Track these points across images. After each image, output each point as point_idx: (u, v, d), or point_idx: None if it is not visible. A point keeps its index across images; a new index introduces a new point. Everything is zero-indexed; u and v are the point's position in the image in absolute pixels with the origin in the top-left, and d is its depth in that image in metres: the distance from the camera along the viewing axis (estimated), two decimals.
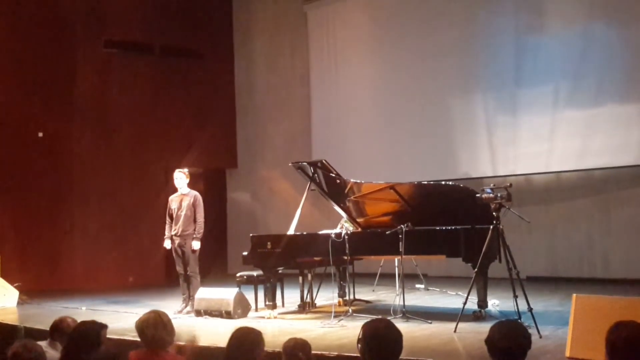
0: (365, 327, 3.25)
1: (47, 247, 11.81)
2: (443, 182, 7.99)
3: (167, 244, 8.31)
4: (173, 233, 8.24)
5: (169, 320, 3.97)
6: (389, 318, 3.48)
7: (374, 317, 3.47)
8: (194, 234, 8.18)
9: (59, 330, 4.68)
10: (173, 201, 8.34)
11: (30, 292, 9.97)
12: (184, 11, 13.56)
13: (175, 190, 8.42)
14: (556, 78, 10.28)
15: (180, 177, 8.29)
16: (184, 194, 8.30)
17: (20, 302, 9.56)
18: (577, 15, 10.14)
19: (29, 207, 11.70)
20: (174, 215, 8.25)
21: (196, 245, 8.17)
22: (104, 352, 3.76)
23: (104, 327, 4.21)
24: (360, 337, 3.23)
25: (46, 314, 8.21)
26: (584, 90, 9.99)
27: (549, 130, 10.27)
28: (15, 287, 9.72)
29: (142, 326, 3.90)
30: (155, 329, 3.86)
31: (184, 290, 8.23)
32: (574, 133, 10.05)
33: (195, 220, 8.20)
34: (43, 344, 4.60)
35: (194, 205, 8.22)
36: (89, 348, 3.97)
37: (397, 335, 3.20)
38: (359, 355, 3.25)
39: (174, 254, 8.30)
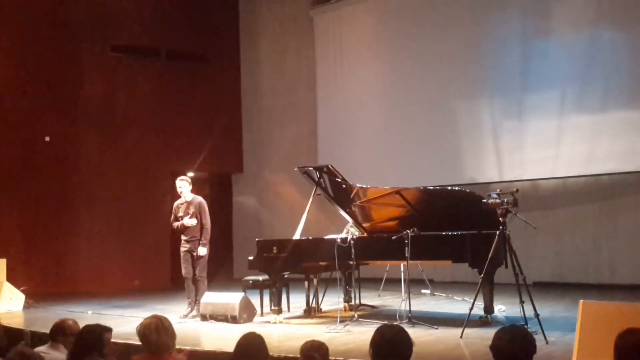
0: (376, 332, 3.29)
1: (53, 250, 11.83)
2: (449, 187, 7.98)
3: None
4: (184, 238, 8.27)
5: (170, 325, 3.97)
6: (395, 323, 3.49)
7: (381, 322, 3.48)
8: (201, 239, 8.20)
9: (60, 331, 4.68)
10: (180, 209, 8.35)
11: (36, 295, 9.99)
12: (191, 15, 13.60)
13: (178, 196, 8.43)
14: (563, 83, 10.25)
15: (184, 186, 8.31)
16: (188, 201, 8.31)
17: (27, 306, 9.58)
18: (584, 20, 10.11)
19: (35, 211, 11.74)
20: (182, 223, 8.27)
21: (202, 251, 8.19)
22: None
23: (107, 330, 4.21)
24: (371, 341, 3.26)
25: (52, 317, 8.13)
26: (591, 96, 9.96)
27: (555, 135, 10.24)
28: (22, 290, 9.75)
29: (144, 331, 3.90)
30: (157, 334, 3.87)
31: (189, 294, 8.23)
32: (580, 138, 10.02)
33: (202, 226, 8.23)
34: (43, 347, 4.61)
35: (199, 212, 8.24)
36: (92, 351, 3.97)
37: (407, 342, 3.21)
38: None
39: (182, 259, 8.31)
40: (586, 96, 10.01)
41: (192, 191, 8.42)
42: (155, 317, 4.00)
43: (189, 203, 8.30)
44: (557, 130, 10.23)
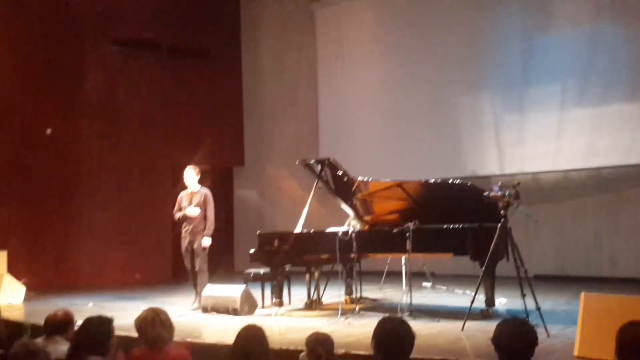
0: (378, 325, 3.29)
1: (54, 243, 11.82)
2: (450, 180, 7.97)
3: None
4: (185, 230, 8.25)
5: (168, 318, 3.96)
6: (396, 316, 3.49)
7: (382, 315, 3.48)
8: (204, 231, 8.18)
9: (53, 325, 4.68)
10: (183, 198, 8.32)
11: (37, 288, 9.99)
12: (192, 10, 13.56)
13: (185, 187, 8.41)
14: (564, 77, 10.25)
15: (190, 174, 8.28)
16: (194, 191, 8.29)
17: (27, 299, 9.58)
18: (585, 15, 10.10)
19: (36, 204, 11.71)
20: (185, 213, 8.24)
21: (206, 242, 8.16)
22: None
23: (111, 321, 4.20)
24: (373, 334, 3.26)
25: (53, 310, 8.19)
26: (592, 89, 9.95)
27: (556, 128, 10.24)
28: (22, 283, 9.75)
29: (141, 324, 3.90)
30: (154, 327, 3.86)
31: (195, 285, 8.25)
32: (581, 131, 10.03)
33: (205, 218, 8.21)
34: (40, 340, 4.60)
35: (204, 203, 8.21)
36: (97, 343, 3.96)
37: (409, 334, 3.22)
38: (365, 353, 3.27)
39: (183, 251, 8.30)
40: (587, 90, 10.00)
41: (198, 183, 8.38)
42: (152, 310, 3.98)
43: (194, 193, 8.28)
44: (558, 123, 10.23)
